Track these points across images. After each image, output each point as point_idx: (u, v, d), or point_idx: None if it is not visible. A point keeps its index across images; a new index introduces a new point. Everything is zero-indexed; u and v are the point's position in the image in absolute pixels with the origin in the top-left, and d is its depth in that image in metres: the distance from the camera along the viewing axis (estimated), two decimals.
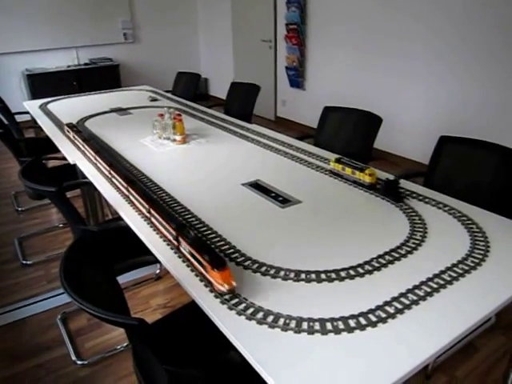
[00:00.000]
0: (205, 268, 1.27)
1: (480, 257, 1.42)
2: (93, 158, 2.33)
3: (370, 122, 2.46)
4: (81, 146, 2.54)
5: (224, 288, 1.22)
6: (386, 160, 4.46)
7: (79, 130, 2.75)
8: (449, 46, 3.77)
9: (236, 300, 1.22)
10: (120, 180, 1.96)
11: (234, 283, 1.23)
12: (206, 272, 1.27)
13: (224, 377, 1.31)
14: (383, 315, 1.16)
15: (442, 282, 1.29)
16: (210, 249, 1.32)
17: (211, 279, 1.26)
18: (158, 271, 2.69)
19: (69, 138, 2.79)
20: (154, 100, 3.86)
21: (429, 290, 1.26)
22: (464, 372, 1.98)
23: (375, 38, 4.41)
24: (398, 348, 1.06)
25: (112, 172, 2.06)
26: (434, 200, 1.82)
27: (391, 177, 2.02)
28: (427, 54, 3.97)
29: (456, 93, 3.82)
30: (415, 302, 1.21)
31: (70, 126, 2.84)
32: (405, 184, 1.97)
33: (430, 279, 1.31)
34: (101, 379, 2.00)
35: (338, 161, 2.08)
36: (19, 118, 3.73)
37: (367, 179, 1.94)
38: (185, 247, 1.38)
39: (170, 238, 1.49)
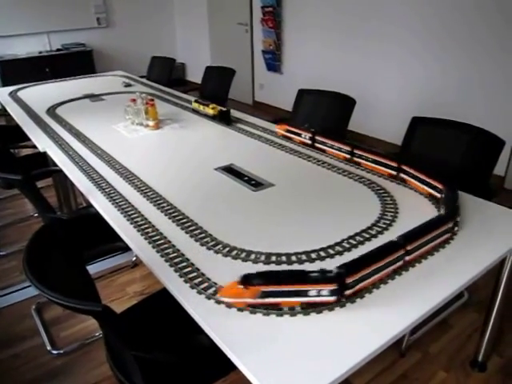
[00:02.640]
0: None
1: (449, 235, 1.44)
2: None
3: (344, 104, 2.46)
4: None
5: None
6: (361, 143, 4.47)
7: None
8: (426, 27, 3.77)
9: (206, 284, 1.22)
10: None
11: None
12: None
13: (194, 360, 1.31)
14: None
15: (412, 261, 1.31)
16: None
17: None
18: (134, 258, 2.67)
19: None
20: (128, 85, 3.79)
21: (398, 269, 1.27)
22: (437, 348, 2.01)
23: (351, 20, 4.39)
24: (366, 327, 1.07)
25: None
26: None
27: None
28: (404, 36, 3.97)
29: (432, 75, 3.84)
30: (383, 282, 1.22)
31: None
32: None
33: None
34: (78, 367, 1.99)
35: (196, 101, 2.90)
36: None
37: (211, 112, 2.71)
38: None
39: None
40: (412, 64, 3.97)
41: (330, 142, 2.10)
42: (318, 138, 2.15)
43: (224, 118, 2.64)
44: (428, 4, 3.69)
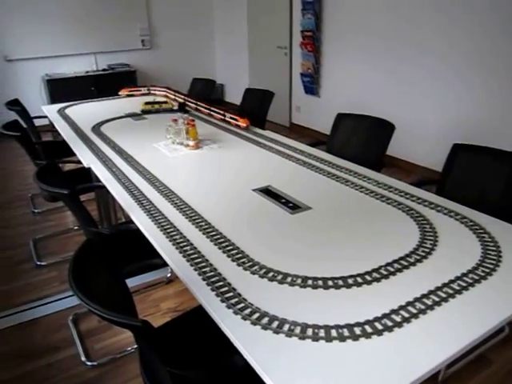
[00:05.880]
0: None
1: (491, 266, 1.40)
2: None
3: (383, 129, 2.45)
4: None
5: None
6: (399, 167, 4.42)
7: None
8: (462, 54, 3.74)
9: (242, 304, 1.23)
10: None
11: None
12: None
13: (227, 381, 1.31)
14: (389, 324, 1.15)
15: (450, 292, 1.28)
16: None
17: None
18: (168, 275, 2.71)
19: None
20: None
21: (437, 299, 1.25)
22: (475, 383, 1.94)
23: (390, 46, 4.40)
24: (403, 357, 1.05)
25: None
26: (446, 208, 1.80)
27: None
28: (440, 62, 3.94)
29: (476, 101, 3.78)
30: (422, 312, 1.20)
31: None
32: (418, 192, 1.97)
33: (438, 288, 1.29)
34: (109, 380, 2.01)
35: (146, 103, 3.60)
36: (39, 122, 3.80)
37: (169, 106, 3.61)
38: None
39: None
40: (449, 89, 3.92)
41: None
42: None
43: (181, 109, 3.54)
44: (463, 33, 3.65)
